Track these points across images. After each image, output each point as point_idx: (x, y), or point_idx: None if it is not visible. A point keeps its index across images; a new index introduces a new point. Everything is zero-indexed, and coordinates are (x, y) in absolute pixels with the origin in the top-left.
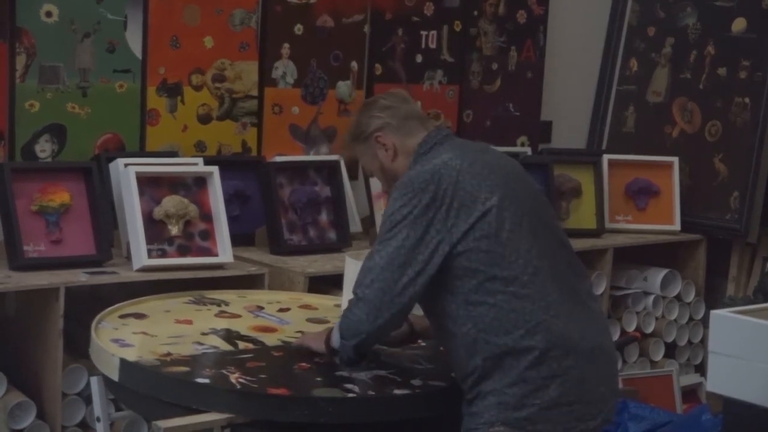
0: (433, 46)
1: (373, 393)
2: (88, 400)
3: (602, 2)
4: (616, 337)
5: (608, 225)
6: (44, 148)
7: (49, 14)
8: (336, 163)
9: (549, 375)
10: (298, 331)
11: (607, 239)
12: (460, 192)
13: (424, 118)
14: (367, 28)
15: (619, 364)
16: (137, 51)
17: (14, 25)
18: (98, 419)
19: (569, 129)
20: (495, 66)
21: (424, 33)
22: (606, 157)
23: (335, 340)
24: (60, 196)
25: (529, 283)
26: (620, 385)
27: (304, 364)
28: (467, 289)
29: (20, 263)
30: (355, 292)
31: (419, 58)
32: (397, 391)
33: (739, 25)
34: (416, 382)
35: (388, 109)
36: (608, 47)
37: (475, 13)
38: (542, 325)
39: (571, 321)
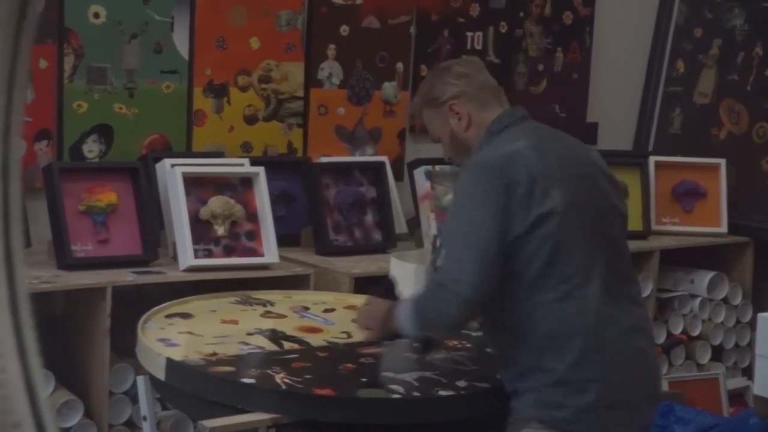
0: (478, 47)
1: (418, 394)
2: (134, 399)
3: (649, 3)
4: (662, 339)
5: (655, 227)
6: (92, 149)
7: (96, 15)
8: (381, 164)
9: (589, 378)
10: (342, 332)
11: (654, 241)
12: (534, 185)
13: (498, 90)
14: (412, 29)
15: (665, 367)
16: (184, 52)
17: (62, 26)
18: (144, 418)
19: (615, 130)
20: (541, 67)
21: (469, 34)
22: (652, 159)
23: (406, 328)
24: (107, 196)
25: (580, 285)
26: (665, 388)
27: (349, 364)
28: (523, 284)
29: (68, 263)
30: (442, 283)
31: None
32: (442, 392)
33: None
34: (461, 383)
35: (464, 76)
36: (655, 48)
37: (521, 14)
38: (586, 327)
39: (615, 326)
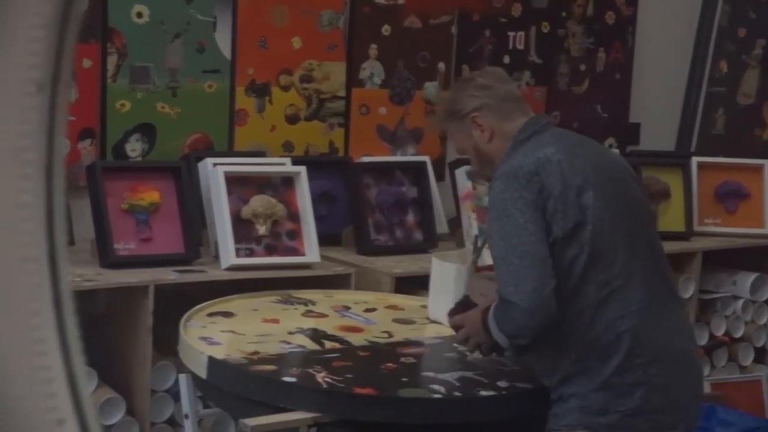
0: (520, 47)
1: (459, 394)
2: (176, 397)
3: (692, 3)
4: (704, 341)
5: (697, 228)
6: (134, 148)
7: (139, 15)
8: (423, 164)
9: (634, 382)
10: (383, 332)
11: (696, 242)
12: (567, 190)
13: (521, 101)
14: (454, 29)
15: (708, 369)
16: (226, 51)
17: (106, 26)
18: (186, 416)
19: (658, 131)
20: (583, 67)
21: (511, 34)
22: (695, 160)
23: (500, 340)
24: (150, 195)
25: (622, 288)
26: (707, 390)
27: (390, 364)
28: (562, 290)
29: (111, 261)
30: (506, 299)
31: (506, 59)
32: (483, 393)
33: None
34: (503, 383)
35: (486, 88)
36: (698, 48)
37: (564, 14)
38: (630, 331)
39: (659, 328)
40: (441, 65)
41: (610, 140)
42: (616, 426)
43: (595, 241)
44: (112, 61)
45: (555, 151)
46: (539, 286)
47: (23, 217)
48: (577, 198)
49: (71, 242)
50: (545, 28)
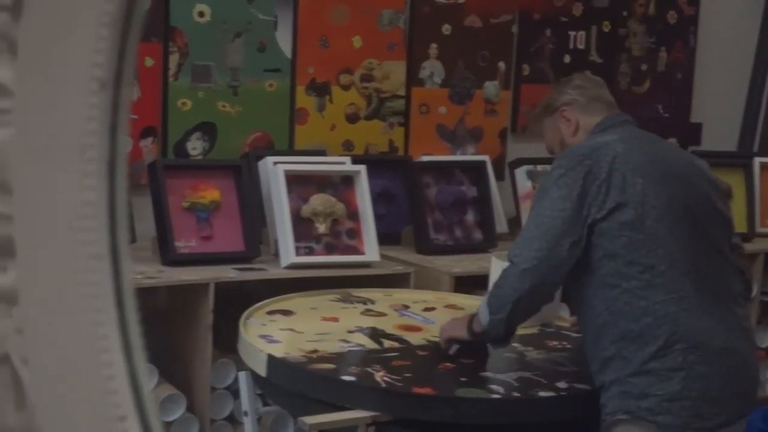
0: (581, 46)
1: (518, 394)
2: (236, 395)
3: (755, 2)
4: (766, 343)
5: (759, 229)
6: (195, 146)
7: (201, 14)
8: (482, 163)
9: (673, 367)
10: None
11: (758, 243)
12: (615, 173)
13: (611, 104)
14: (515, 29)
15: None
16: (287, 50)
17: (168, 25)
18: (246, 414)
19: (720, 131)
20: (644, 67)
21: (572, 33)
22: (757, 160)
23: (483, 318)
24: (210, 193)
25: (664, 273)
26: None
27: (448, 363)
28: (604, 272)
29: (172, 258)
30: (510, 259)
31: (567, 59)
32: (542, 393)
33: None
34: (561, 384)
35: (580, 88)
36: (761, 48)
37: (625, 13)
38: (670, 316)
39: (704, 319)
40: (501, 64)
41: (672, 140)
42: (654, 410)
43: (638, 225)
44: (173, 59)
45: (615, 139)
46: (542, 256)
47: (86, 215)
48: (623, 182)
49: (133, 240)
50: (606, 27)
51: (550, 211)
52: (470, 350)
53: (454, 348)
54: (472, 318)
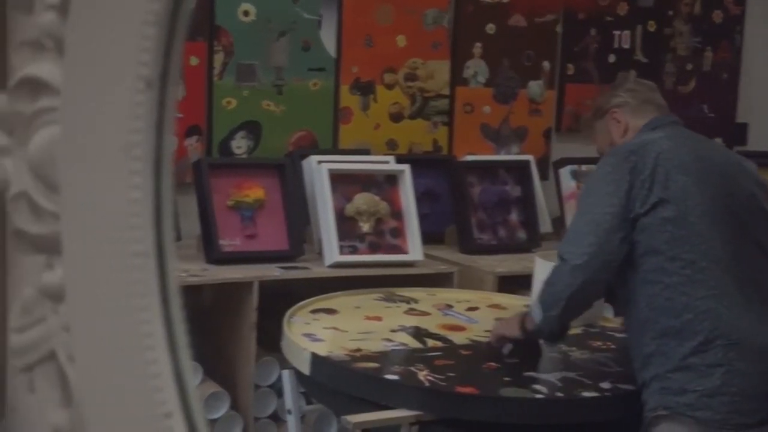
0: (626, 46)
1: (562, 394)
2: (279, 393)
3: None
4: None
5: None
6: (240, 145)
7: (246, 13)
8: (526, 163)
9: (713, 363)
10: (486, 331)
11: None
12: (658, 169)
13: (662, 106)
14: (559, 28)
15: None
16: (331, 50)
17: (213, 24)
18: (289, 412)
19: (766, 131)
20: (690, 67)
21: (617, 33)
22: None
23: (536, 316)
24: (255, 191)
25: (706, 269)
26: None
27: (492, 363)
28: (646, 268)
29: (216, 257)
30: (561, 256)
31: (612, 58)
32: (585, 394)
33: None
34: (605, 384)
35: (631, 91)
36: None
37: (670, 12)
38: (711, 312)
39: (745, 316)
40: (546, 64)
41: (717, 140)
42: (693, 405)
43: (680, 221)
44: (218, 59)
45: (662, 137)
46: (593, 252)
47: (133, 213)
48: (666, 179)
49: (178, 238)
50: (651, 26)
51: (599, 207)
52: (522, 349)
53: (507, 347)
54: (524, 317)
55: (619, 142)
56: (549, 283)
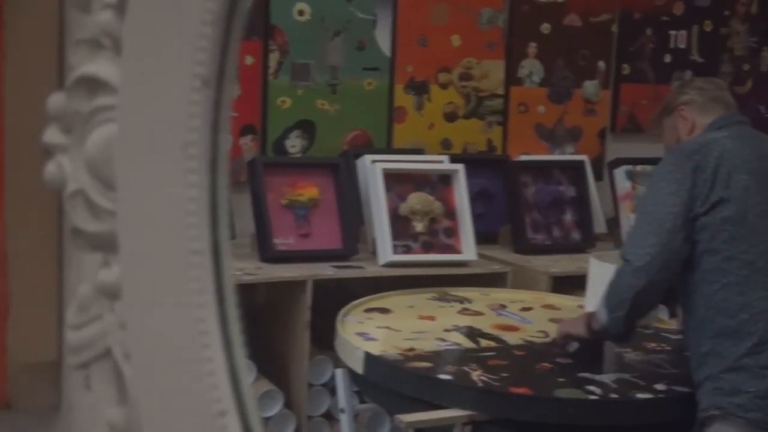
0: (682, 46)
1: (616, 396)
2: (333, 392)
3: None
4: None
5: None
6: (294, 144)
7: (301, 13)
8: (581, 163)
9: (766, 365)
10: (540, 331)
11: None
12: (720, 168)
13: (730, 105)
14: (615, 28)
15: None
16: (386, 49)
17: (268, 24)
18: (342, 411)
19: None
20: (746, 67)
21: (673, 33)
22: None
23: (602, 317)
24: (309, 190)
25: (763, 269)
26: None
27: (545, 363)
28: (705, 267)
29: (270, 255)
30: (624, 257)
31: (668, 58)
32: (639, 395)
33: None
34: (660, 386)
35: (700, 89)
36: None
37: (727, 12)
38: (767, 313)
39: None
40: (601, 64)
41: None
42: (746, 406)
43: (740, 220)
44: (273, 58)
45: (725, 136)
46: (655, 252)
47: (189, 211)
48: (728, 178)
49: (232, 236)
50: (708, 26)
51: (661, 206)
52: (588, 348)
53: (573, 345)
54: (591, 316)
55: (685, 140)
56: (613, 284)
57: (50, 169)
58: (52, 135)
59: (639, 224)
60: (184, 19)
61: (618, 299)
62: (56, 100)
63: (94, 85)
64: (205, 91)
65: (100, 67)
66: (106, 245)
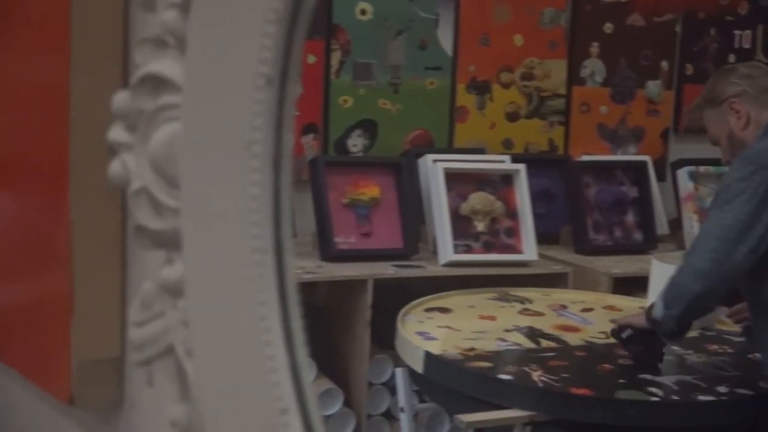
0: (747, 46)
1: (677, 398)
2: (392, 391)
3: None
4: None
5: None
6: (356, 143)
7: (363, 12)
8: (643, 163)
9: None
10: (600, 332)
11: None
12: None
13: None
14: (678, 27)
15: None
16: (448, 48)
17: (331, 23)
18: (402, 410)
19: None
20: None
21: (737, 33)
22: None
23: (657, 311)
24: (370, 190)
25: None
26: None
27: (606, 365)
28: None
29: (331, 254)
30: (686, 259)
31: (732, 59)
32: (701, 397)
33: None
34: (722, 388)
35: (748, 77)
36: None
37: None
38: None
39: None
40: (664, 64)
41: None
42: None
43: None
44: (335, 57)
45: None
46: (716, 259)
47: (252, 209)
48: None
49: (293, 235)
50: None
51: (730, 213)
52: (641, 339)
53: (627, 332)
54: (652, 306)
55: (740, 135)
56: (673, 281)
57: (115, 167)
58: (116, 133)
59: (706, 230)
60: (249, 18)
61: (674, 296)
62: (121, 99)
63: (158, 83)
64: (268, 89)
65: (165, 65)
66: (169, 243)
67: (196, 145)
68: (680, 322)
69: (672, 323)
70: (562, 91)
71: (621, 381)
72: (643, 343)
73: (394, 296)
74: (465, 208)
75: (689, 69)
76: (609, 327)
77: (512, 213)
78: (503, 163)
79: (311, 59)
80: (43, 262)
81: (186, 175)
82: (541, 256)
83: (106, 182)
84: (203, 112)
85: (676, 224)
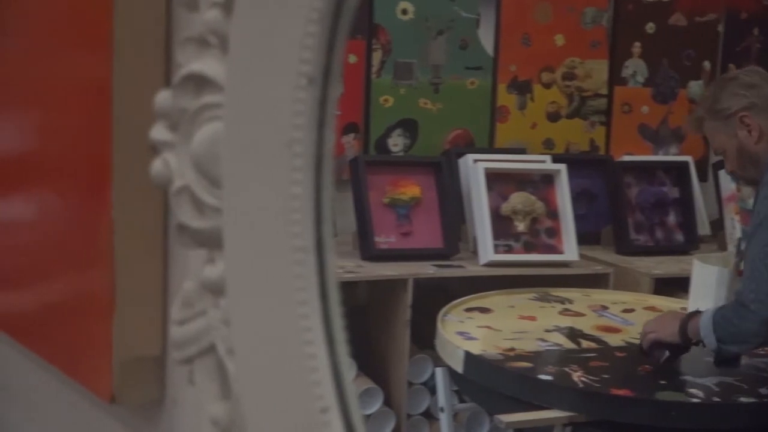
0: None
1: (718, 399)
2: (432, 390)
3: None
4: None
5: None
6: (396, 142)
7: (404, 12)
8: (685, 164)
9: None
10: (641, 333)
11: None
12: None
13: None
14: (721, 27)
15: None
16: (489, 48)
17: (372, 22)
18: (442, 410)
19: None
20: None
21: None
22: None
23: (709, 342)
24: (411, 189)
25: None
26: None
27: (647, 366)
28: None
29: (371, 254)
30: (746, 304)
31: None
32: (743, 399)
33: None
34: (764, 390)
35: (753, 87)
36: None
37: None
38: None
39: None
40: (706, 64)
41: None
42: None
43: None
44: (376, 56)
45: None
46: None
47: (293, 208)
48: None
49: (334, 234)
50: None
51: None
52: (677, 354)
53: (664, 355)
54: (686, 322)
55: (753, 149)
56: (730, 322)
57: (157, 165)
58: (158, 132)
59: (758, 268)
60: (291, 17)
61: (733, 339)
62: (163, 98)
63: (200, 83)
64: (310, 89)
65: (207, 65)
66: (210, 242)
67: (238, 145)
68: (739, 353)
69: (729, 355)
70: (604, 91)
71: (662, 382)
72: (678, 358)
73: (434, 296)
74: (505, 208)
75: (732, 69)
76: (648, 326)
77: (553, 213)
78: (544, 163)
79: (352, 59)
80: (85, 260)
81: (228, 174)
82: (582, 256)
83: (148, 181)
84: (245, 111)
85: (717, 225)
